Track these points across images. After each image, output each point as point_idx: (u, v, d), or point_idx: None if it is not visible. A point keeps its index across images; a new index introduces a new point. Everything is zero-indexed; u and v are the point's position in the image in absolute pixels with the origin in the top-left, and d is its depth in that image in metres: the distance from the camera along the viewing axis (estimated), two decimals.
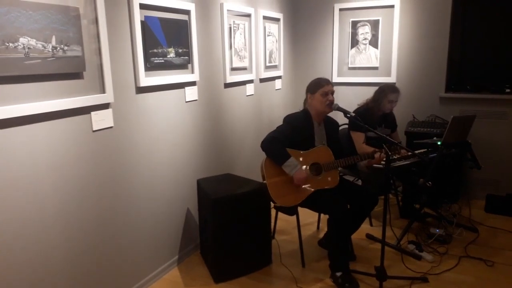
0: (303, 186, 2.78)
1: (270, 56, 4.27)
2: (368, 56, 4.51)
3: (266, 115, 4.31)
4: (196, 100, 3.15)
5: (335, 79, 4.66)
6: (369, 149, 2.93)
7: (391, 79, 4.38)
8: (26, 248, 1.98)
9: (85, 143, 2.25)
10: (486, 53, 4.14)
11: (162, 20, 2.71)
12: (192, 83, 3.09)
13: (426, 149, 3.35)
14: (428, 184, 3.21)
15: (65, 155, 2.14)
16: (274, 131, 2.85)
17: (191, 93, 3.08)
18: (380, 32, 4.40)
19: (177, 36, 2.86)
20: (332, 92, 2.83)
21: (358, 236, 3.31)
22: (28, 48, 1.88)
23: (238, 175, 3.32)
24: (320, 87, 2.82)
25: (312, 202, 2.82)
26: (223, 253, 2.80)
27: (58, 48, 2.02)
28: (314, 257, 3.15)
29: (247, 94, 3.90)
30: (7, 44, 1.79)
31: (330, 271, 2.79)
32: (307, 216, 3.75)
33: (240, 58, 3.70)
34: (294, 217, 2.96)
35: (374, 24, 4.41)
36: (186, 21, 2.95)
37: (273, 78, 4.39)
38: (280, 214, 3.16)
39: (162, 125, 2.83)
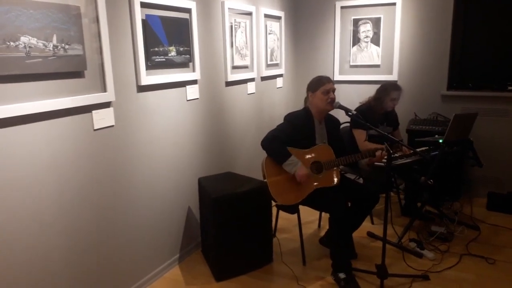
0: (304, 184, 2.78)
1: (272, 54, 4.27)
2: (369, 54, 4.50)
3: (267, 113, 4.31)
4: (197, 98, 3.15)
5: (337, 77, 4.65)
6: (372, 146, 2.92)
7: (393, 77, 4.38)
8: (26, 247, 1.99)
9: (86, 142, 2.25)
10: (488, 51, 4.13)
11: (163, 18, 2.71)
12: (193, 82, 3.09)
13: (427, 147, 3.35)
14: (430, 182, 3.21)
15: (66, 154, 2.15)
16: (274, 130, 2.84)
17: (192, 91, 3.09)
18: (381, 30, 4.39)
19: (178, 34, 2.86)
20: (333, 90, 2.83)
21: (359, 234, 3.32)
22: (29, 47, 1.88)
23: (239, 173, 3.32)
24: (321, 85, 2.81)
25: (313, 201, 2.82)
26: (224, 252, 2.81)
27: (59, 47, 2.02)
28: (315, 255, 3.15)
29: (249, 93, 3.89)
30: (8, 43, 1.79)
31: (332, 269, 2.79)
32: (308, 214, 3.76)
33: (241, 56, 3.70)
34: (295, 215, 2.96)
35: (376, 22, 4.40)
36: (187, 19, 2.95)
37: (274, 77, 4.39)
38: (281, 212, 3.16)
39: (163, 123, 2.83)
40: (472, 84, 4.20)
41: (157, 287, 2.79)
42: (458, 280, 2.77)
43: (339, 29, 4.59)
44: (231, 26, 3.50)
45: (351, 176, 3.67)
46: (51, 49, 1.98)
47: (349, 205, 2.88)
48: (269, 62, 4.23)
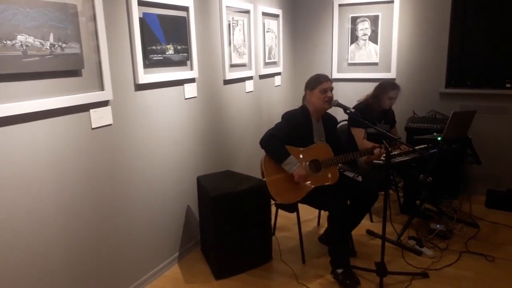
0: (303, 183, 2.78)
1: (270, 52, 4.26)
2: (367, 52, 4.49)
3: (266, 111, 4.30)
4: (195, 97, 3.14)
5: (335, 75, 4.65)
6: (370, 145, 2.92)
7: (391, 74, 4.37)
8: (25, 246, 1.98)
9: (84, 141, 2.25)
10: (486, 48, 4.13)
11: (160, 16, 2.70)
12: (191, 80, 3.08)
13: (426, 145, 3.34)
14: (429, 180, 3.21)
15: (64, 153, 2.14)
16: (272, 129, 2.83)
17: (190, 90, 3.08)
18: (379, 27, 4.38)
19: (176, 33, 2.85)
20: (331, 89, 2.82)
21: (358, 232, 3.32)
22: (26, 45, 1.87)
23: (238, 172, 3.32)
24: (319, 84, 2.80)
25: (312, 199, 2.81)
26: (223, 250, 2.80)
27: (56, 46, 2.01)
28: (314, 253, 3.15)
29: (247, 91, 3.89)
30: (5, 42, 1.78)
31: (331, 267, 2.79)
32: (307, 212, 3.75)
33: (239, 54, 3.69)
34: (294, 213, 2.96)
35: (374, 20, 4.40)
36: (184, 17, 2.94)
37: (272, 75, 4.38)
38: (280, 210, 3.16)
39: (161, 122, 2.83)
40: (470, 82, 4.20)
41: (157, 286, 2.79)
42: (458, 277, 2.77)
43: (337, 27, 4.58)
44: (229, 24, 3.50)
45: (350, 174, 3.67)
46: (48, 47, 1.97)
47: (348, 203, 2.88)
48: (267, 60, 4.22)
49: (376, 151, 2.74)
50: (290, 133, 2.79)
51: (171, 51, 2.82)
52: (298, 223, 3.01)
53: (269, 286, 2.75)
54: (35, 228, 2.02)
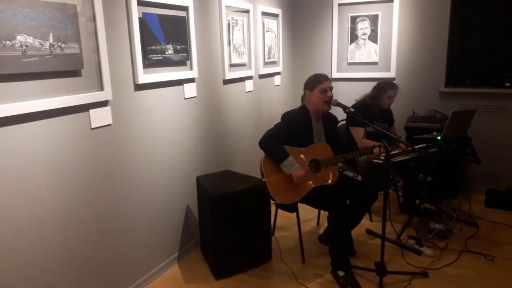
0: (302, 184, 2.77)
1: (269, 52, 4.26)
2: (367, 51, 4.49)
3: (266, 111, 4.30)
4: (195, 97, 3.14)
5: (335, 74, 4.65)
6: (370, 144, 2.92)
7: (391, 74, 4.37)
8: (25, 246, 1.98)
9: (83, 141, 2.25)
10: (485, 47, 4.13)
11: (160, 16, 2.70)
12: (191, 80, 3.08)
13: (426, 144, 3.34)
14: (428, 179, 3.21)
15: (64, 153, 2.14)
16: (271, 129, 2.83)
17: (190, 90, 3.08)
18: (379, 27, 4.38)
19: (176, 32, 2.85)
20: (331, 89, 2.82)
21: (358, 231, 3.32)
22: (26, 46, 1.87)
23: (237, 171, 3.32)
24: (319, 84, 2.80)
25: (311, 199, 2.81)
26: (223, 250, 2.80)
27: (56, 46, 2.01)
28: (314, 253, 3.15)
29: (246, 91, 3.89)
30: (4, 42, 1.78)
31: (331, 267, 2.79)
32: (307, 212, 3.75)
33: (239, 54, 3.69)
34: (294, 213, 2.96)
35: (373, 19, 4.39)
36: (184, 17, 2.94)
37: (272, 74, 4.38)
38: (280, 210, 3.16)
39: (161, 122, 2.82)
40: (469, 81, 4.20)
41: (156, 286, 2.79)
42: (457, 276, 2.77)
43: (337, 26, 4.58)
44: (229, 24, 3.49)
45: (350, 173, 3.67)
46: (48, 48, 1.97)
47: (348, 202, 2.88)
48: (266, 60, 4.22)
49: (376, 150, 2.73)
50: (289, 133, 2.79)
51: (170, 51, 2.82)
52: (297, 223, 3.01)
53: (268, 286, 2.75)
54: (35, 228, 2.02)
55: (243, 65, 3.79)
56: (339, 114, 3.31)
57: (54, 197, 2.10)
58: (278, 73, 4.52)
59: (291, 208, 2.93)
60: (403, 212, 3.78)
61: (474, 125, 3.90)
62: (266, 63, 4.22)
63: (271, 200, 2.88)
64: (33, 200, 2.00)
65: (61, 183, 2.13)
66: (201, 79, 3.20)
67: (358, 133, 3.39)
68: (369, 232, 3.42)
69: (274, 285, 2.76)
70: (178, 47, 2.88)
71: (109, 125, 2.41)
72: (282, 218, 3.70)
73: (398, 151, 3.15)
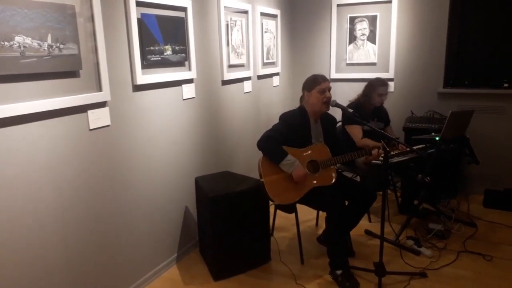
0: (301, 183, 2.77)
1: (268, 53, 4.26)
2: (366, 52, 4.50)
3: (264, 112, 4.30)
4: (193, 97, 3.14)
5: (333, 75, 4.65)
6: (371, 142, 2.92)
7: (389, 74, 4.38)
8: (23, 247, 1.98)
9: (82, 142, 2.24)
10: (484, 48, 4.14)
11: (158, 17, 2.70)
12: (189, 81, 3.08)
13: (424, 145, 3.35)
14: (427, 180, 3.21)
15: (62, 154, 2.13)
16: (270, 130, 2.83)
17: (188, 90, 3.07)
18: (378, 27, 4.39)
19: (174, 33, 2.85)
20: (329, 89, 2.82)
21: (356, 232, 3.32)
22: (24, 46, 1.87)
23: (236, 172, 3.32)
24: (317, 84, 2.80)
25: (310, 199, 2.81)
26: (222, 251, 2.80)
27: (54, 47, 2.00)
28: (313, 254, 3.15)
29: (245, 91, 3.89)
30: (3, 43, 1.78)
31: (330, 268, 2.79)
32: (306, 212, 3.75)
33: (237, 55, 3.69)
34: (293, 214, 2.96)
35: (372, 20, 4.40)
36: (182, 18, 2.94)
37: (270, 75, 4.38)
38: (278, 211, 3.16)
39: (159, 123, 2.82)
40: (468, 82, 4.21)
41: (155, 287, 2.78)
42: (456, 277, 2.78)
43: (335, 27, 4.58)
44: (227, 25, 3.49)
45: (348, 174, 3.67)
46: (46, 48, 1.97)
47: (346, 203, 2.88)
48: (265, 61, 4.22)
49: (374, 151, 2.73)
50: (287, 134, 2.79)
51: (169, 52, 2.82)
52: (296, 224, 3.01)
53: (267, 287, 2.75)
54: (34, 229, 2.01)
55: (241, 65, 3.79)
56: (338, 115, 3.31)
57: (53, 197, 2.10)
58: (277, 74, 4.52)
59: (290, 208, 2.93)
60: (402, 212, 3.78)
61: (473, 126, 3.91)
62: (264, 64, 4.22)
63: (269, 201, 2.88)
64: (32, 200, 1.99)
65: (60, 184, 2.13)
66: (200, 79, 3.20)
67: (355, 132, 3.39)
68: (368, 232, 3.42)
69: (273, 286, 2.76)
70: (177, 47, 2.88)
71: (108, 126, 2.40)
72: (281, 219, 3.70)
73: (396, 152, 3.15)
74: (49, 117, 2.05)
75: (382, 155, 2.56)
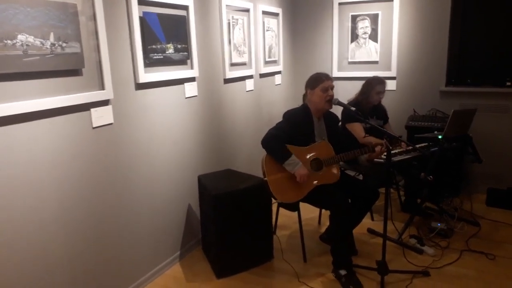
0: (305, 182, 2.77)
1: (270, 51, 4.26)
2: (368, 50, 4.49)
3: (266, 110, 4.30)
4: (195, 96, 3.14)
5: (335, 73, 4.64)
6: (374, 139, 2.91)
7: (391, 73, 4.37)
8: (26, 245, 1.98)
9: (85, 140, 2.24)
10: (486, 46, 4.12)
11: (160, 16, 2.70)
12: (192, 79, 3.08)
13: (427, 143, 3.34)
14: (429, 178, 3.20)
15: (65, 152, 2.14)
16: (273, 128, 2.83)
17: (191, 89, 3.07)
18: (379, 26, 4.38)
19: (176, 31, 2.85)
20: (332, 87, 2.82)
21: (359, 230, 3.31)
22: (26, 45, 1.87)
23: (238, 170, 3.31)
24: (320, 83, 2.80)
25: (313, 198, 2.81)
26: (224, 249, 2.80)
27: (57, 45, 2.01)
28: (315, 252, 3.15)
29: (247, 90, 3.88)
30: (5, 42, 1.78)
31: (333, 266, 2.79)
32: (309, 211, 3.75)
33: (239, 53, 3.68)
34: (296, 212, 2.96)
35: (374, 18, 4.39)
36: (184, 16, 2.94)
37: (272, 73, 4.38)
38: (281, 209, 3.16)
39: (162, 121, 2.82)
40: (470, 80, 4.20)
41: (158, 284, 2.79)
42: (459, 276, 2.77)
43: (337, 25, 4.58)
44: (229, 23, 3.49)
45: (351, 172, 3.66)
46: (49, 47, 1.97)
47: (349, 201, 2.88)
48: (267, 59, 4.22)
49: (378, 148, 2.73)
50: (291, 132, 2.79)
51: (171, 50, 2.82)
52: (299, 222, 3.01)
53: (270, 285, 2.75)
54: (36, 228, 2.02)
55: (243, 64, 3.79)
56: (337, 114, 3.30)
57: (55, 196, 2.10)
58: (279, 72, 4.51)
59: (293, 207, 2.93)
60: (405, 211, 3.78)
61: (475, 124, 3.89)
62: (266, 62, 4.22)
63: (272, 199, 2.88)
64: (34, 199, 2.00)
65: (62, 182, 2.13)
66: (202, 78, 3.20)
67: (357, 130, 3.39)
68: (370, 231, 3.42)
69: (275, 283, 2.76)
70: (179, 46, 2.88)
71: (110, 124, 2.41)
72: (284, 217, 3.70)
73: (399, 150, 3.15)
74: (52, 115, 2.05)
75: (385, 153, 2.56)
